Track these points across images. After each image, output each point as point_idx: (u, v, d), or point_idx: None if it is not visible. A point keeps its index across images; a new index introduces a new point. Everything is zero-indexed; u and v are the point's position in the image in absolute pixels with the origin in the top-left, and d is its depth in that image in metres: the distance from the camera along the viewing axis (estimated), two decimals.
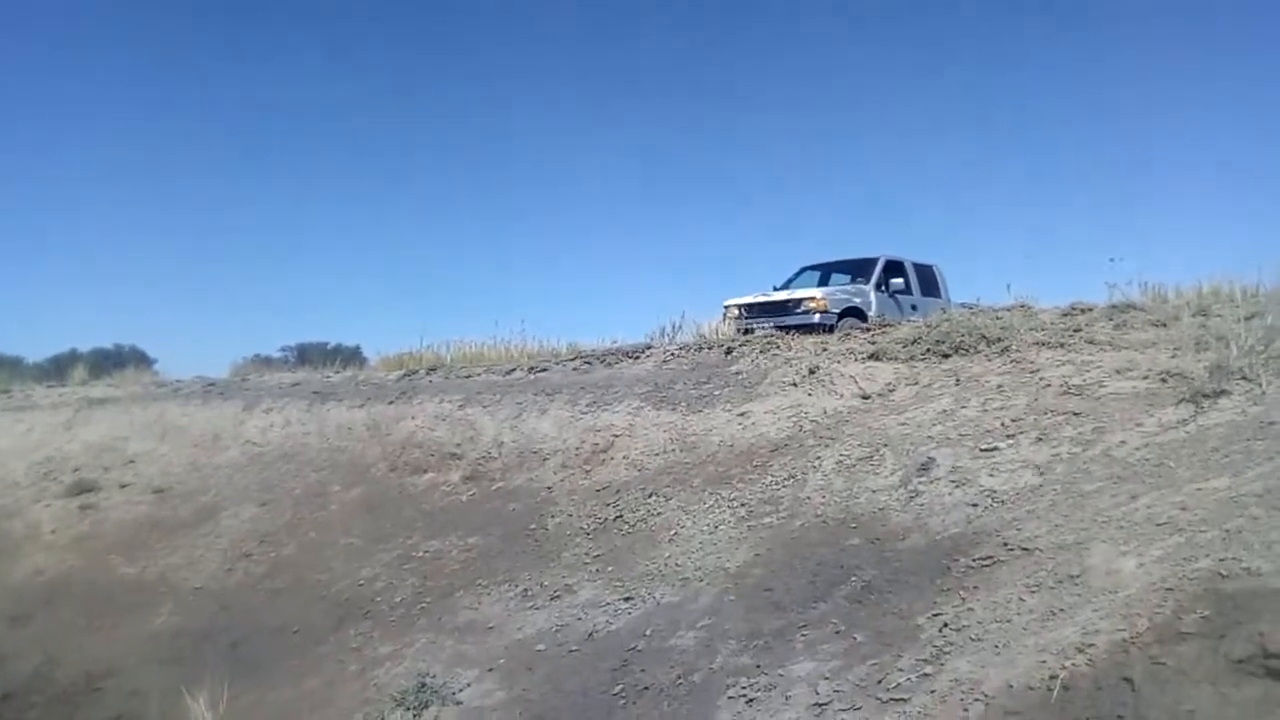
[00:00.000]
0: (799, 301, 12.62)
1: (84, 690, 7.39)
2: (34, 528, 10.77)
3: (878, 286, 13.40)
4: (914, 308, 13.68)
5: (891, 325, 9.00)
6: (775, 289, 13.76)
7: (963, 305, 14.96)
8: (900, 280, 13.59)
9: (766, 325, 12.40)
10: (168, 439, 12.06)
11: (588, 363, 10.04)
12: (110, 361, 20.83)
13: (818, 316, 12.19)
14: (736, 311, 13.14)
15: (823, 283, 13.98)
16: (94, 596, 8.83)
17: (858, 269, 14.15)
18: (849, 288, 13.48)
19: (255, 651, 6.94)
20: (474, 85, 55.12)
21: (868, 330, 8.93)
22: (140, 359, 21.86)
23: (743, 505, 6.16)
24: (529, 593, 6.21)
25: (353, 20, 53.04)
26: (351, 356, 18.68)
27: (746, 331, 13.01)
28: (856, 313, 12.83)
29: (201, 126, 53.09)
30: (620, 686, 4.73)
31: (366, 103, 54.80)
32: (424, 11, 54.02)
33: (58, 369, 20.65)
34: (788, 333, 11.99)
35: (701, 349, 9.41)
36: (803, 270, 14.95)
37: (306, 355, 20.07)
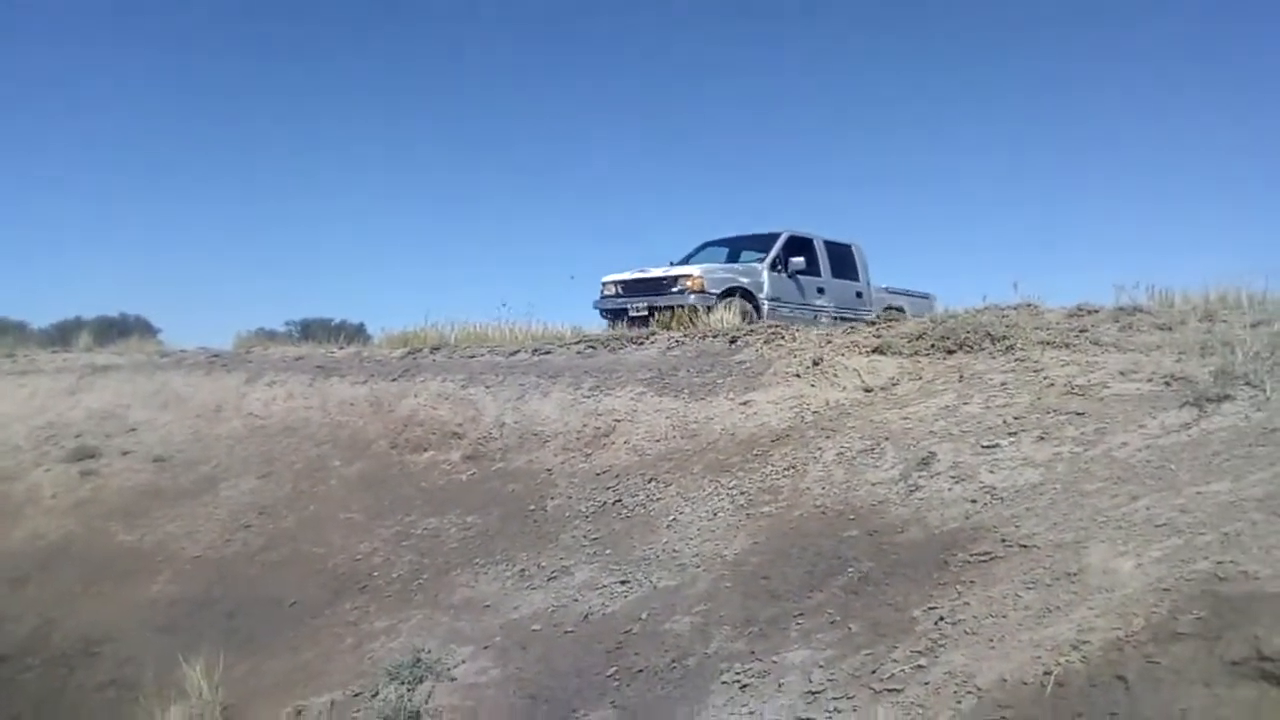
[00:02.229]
0: (674, 279, 11.59)
1: (80, 654, 7.40)
2: (34, 492, 10.79)
3: (773, 265, 12.28)
4: (821, 290, 12.86)
5: (896, 320, 8.90)
6: (673, 264, 12.60)
7: (888, 289, 14.19)
8: (801, 259, 12.45)
9: (640, 305, 11.56)
10: (170, 408, 12.09)
11: (591, 347, 10.03)
12: (115, 330, 20.82)
13: (693, 297, 11.16)
14: (614, 289, 12.30)
15: (731, 259, 13.08)
16: (92, 562, 8.85)
17: (763, 245, 12.87)
18: (736, 265, 12.53)
19: (252, 622, 6.96)
20: (478, 66, 54.82)
21: (873, 324, 8.87)
22: (145, 328, 21.86)
23: (742, 493, 6.17)
24: (526, 573, 6.23)
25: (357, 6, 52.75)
26: (356, 333, 18.66)
27: (618, 313, 12.01)
28: (743, 293, 11.78)
29: (211, 99, 52.93)
30: (615, 668, 4.76)
31: (375, 81, 54.56)
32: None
33: (63, 335, 20.66)
34: (661, 314, 10.84)
35: (706, 337, 9.39)
36: (705, 245, 13.77)
37: (311, 331, 20.02)
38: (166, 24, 49.94)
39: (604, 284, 12.66)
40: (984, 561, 4.29)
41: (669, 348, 9.43)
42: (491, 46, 54.45)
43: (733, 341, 9.01)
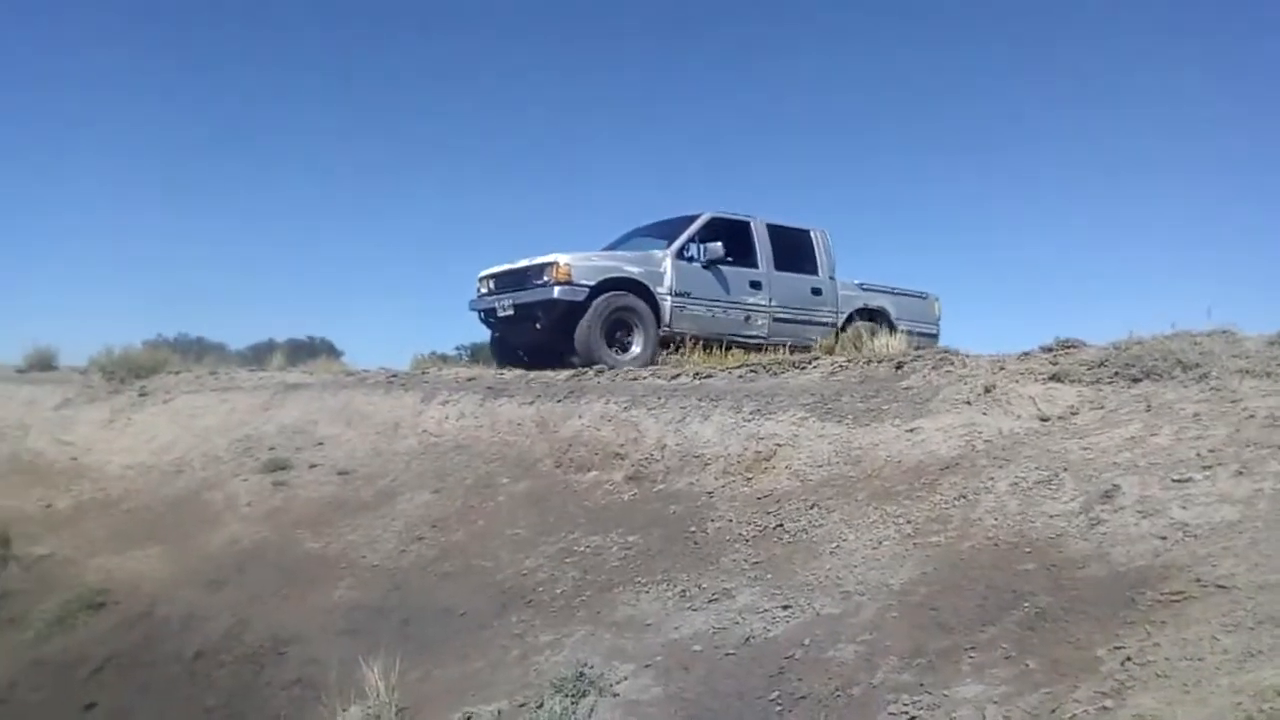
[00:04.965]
0: (539, 269, 9.97)
1: (270, 653, 7.89)
2: (232, 500, 11.64)
3: (682, 252, 10.53)
4: (756, 285, 11.08)
5: (1075, 346, 8.38)
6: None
7: (863, 286, 12.07)
8: (719, 245, 10.59)
9: (507, 304, 10.13)
10: (353, 425, 12.81)
11: (753, 371, 10.02)
12: (303, 351, 22.37)
13: (557, 290, 9.68)
14: (487, 285, 10.94)
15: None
16: (282, 567, 9.45)
17: (686, 229, 10.84)
18: (624, 253, 10.83)
19: (424, 630, 7.27)
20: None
21: (1049, 350, 8.44)
22: (330, 350, 23.42)
23: (909, 522, 6.01)
24: (687, 593, 6.26)
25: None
26: None
27: (488, 314, 10.51)
28: (635, 287, 10.12)
29: (383, 128, 56.15)
30: (776, 693, 4.72)
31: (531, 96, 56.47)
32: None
33: (257, 356, 22.36)
34: (533, 317, 9.39)
35: (870, 362, 9.23)
36: (634, 232, 11.85)
37: (480, 354, 20.86)
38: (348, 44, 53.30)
39: (479, 280, 11.22)
40: (1176, 601, 4.03)
41: (832, 373, 9.31)
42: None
43: (899, 367, 8.82)
